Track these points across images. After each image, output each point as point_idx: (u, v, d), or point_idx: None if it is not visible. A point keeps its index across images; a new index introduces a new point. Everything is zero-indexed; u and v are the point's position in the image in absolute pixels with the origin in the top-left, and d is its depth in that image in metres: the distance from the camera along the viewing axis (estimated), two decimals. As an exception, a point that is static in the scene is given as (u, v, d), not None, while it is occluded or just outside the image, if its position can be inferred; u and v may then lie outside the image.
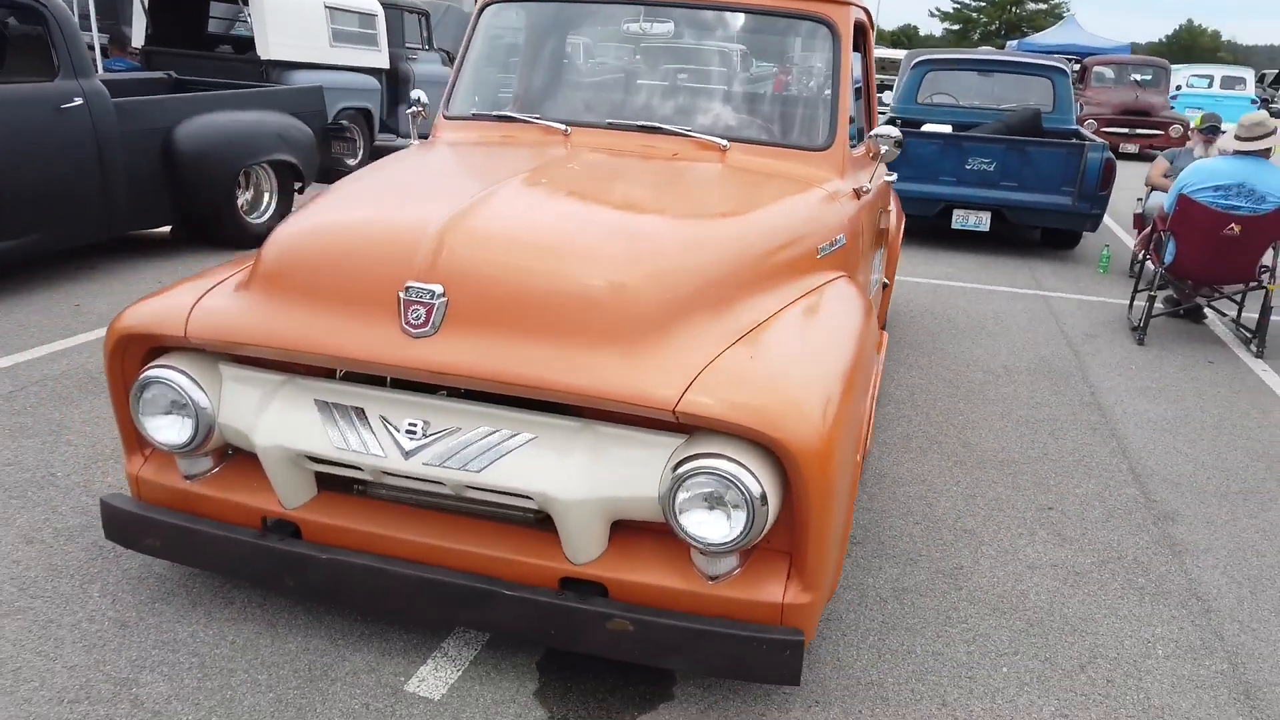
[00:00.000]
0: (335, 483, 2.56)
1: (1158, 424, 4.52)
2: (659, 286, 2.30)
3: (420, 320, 2.24)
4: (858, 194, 3.40)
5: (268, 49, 9.54)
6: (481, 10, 3.74)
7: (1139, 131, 17.94)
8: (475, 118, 3.60)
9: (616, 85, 3.76)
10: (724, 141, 3.27)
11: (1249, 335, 5.99)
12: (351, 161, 8.83)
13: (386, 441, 2.31)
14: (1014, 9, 61.89)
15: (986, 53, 12.74)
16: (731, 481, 2.09)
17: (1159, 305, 6.28)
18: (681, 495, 2.14)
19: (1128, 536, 3.39)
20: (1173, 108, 19.68)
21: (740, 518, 2.12)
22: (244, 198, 7.05)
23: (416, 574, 2.35)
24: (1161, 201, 7.06)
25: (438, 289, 2.24)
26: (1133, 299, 6.58)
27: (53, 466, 3.40)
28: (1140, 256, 6.59)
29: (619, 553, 2.34)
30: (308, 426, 2.37)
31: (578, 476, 2.20)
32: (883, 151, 3.37)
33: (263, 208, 7.24)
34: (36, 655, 2.44)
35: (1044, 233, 8.99)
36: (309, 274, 2.39)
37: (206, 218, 6.71)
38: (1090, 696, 2.51)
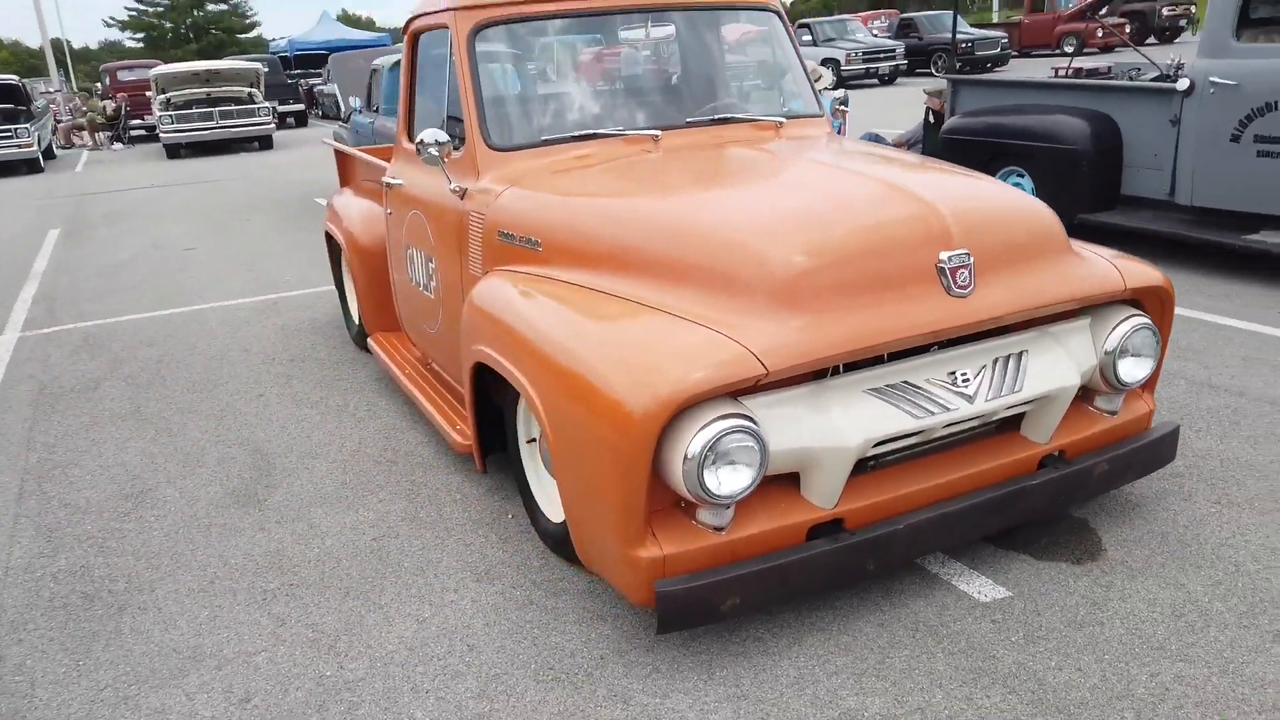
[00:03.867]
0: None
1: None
2: (1050, 211, 2.98)
3: (966, 282, 2.61)
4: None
5: None
6: (474, 36, 3.57)
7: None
8: (546, 143, 3.51)
9: (656, 88, 3.91)
10: (781, 119, 3.80)
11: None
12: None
13: (950, 397, 2.64)
14: (196, 12, 61.46)
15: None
16: (1151, 330, 2.94)
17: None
18: (1126, 353, 2.91)
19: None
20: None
21: (1155, 355, 2.97)
22: None
23: (964, 505, 2.73)
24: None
25: (965, 252, 2.61)
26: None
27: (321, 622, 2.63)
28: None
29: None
30: (880, 414, 2.56)
31: (1070, 367, 2.83)
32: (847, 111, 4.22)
33: None
34: (749, 753, 2.24)
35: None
36: (847, 275, 2.52)
37: None
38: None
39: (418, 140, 3.46)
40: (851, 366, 2.64)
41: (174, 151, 18.73)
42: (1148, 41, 27.06)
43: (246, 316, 6.48)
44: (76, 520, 3.63)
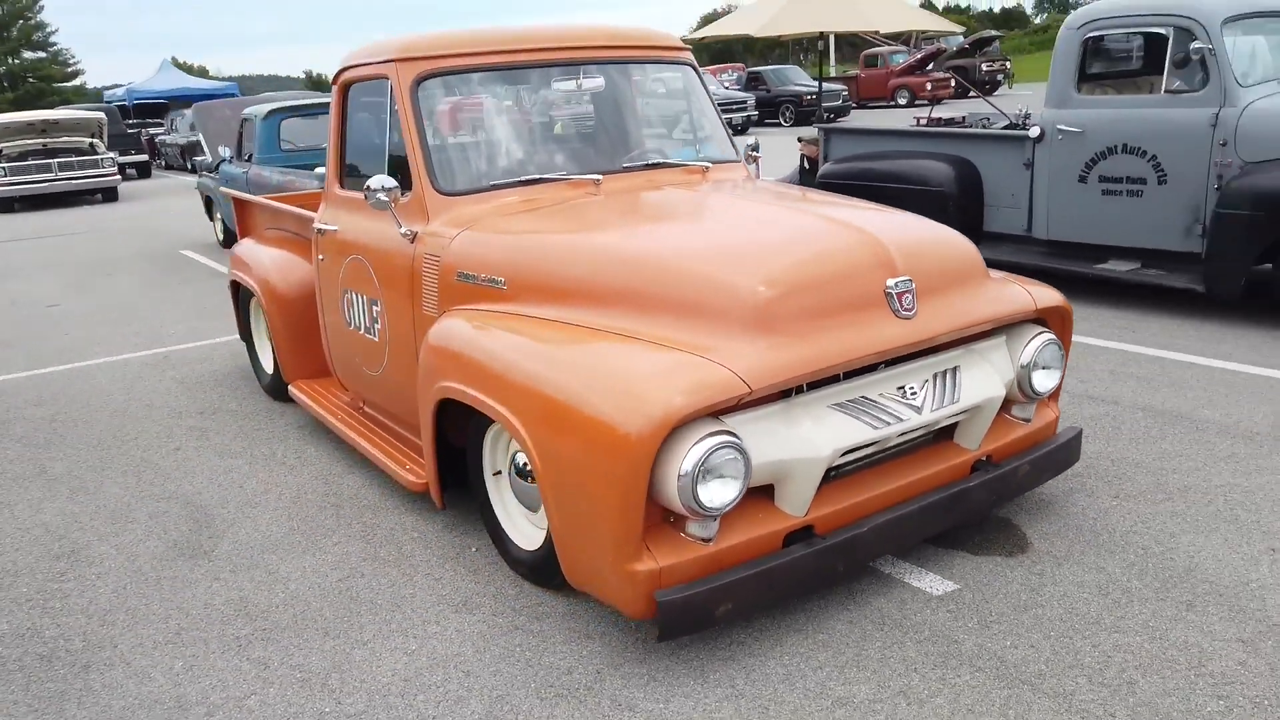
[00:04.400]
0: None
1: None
2: (967, 242, 3.33)
3: (910, 305, 2.90)
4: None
5: None
6: (417, 87, 3.70)
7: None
8: (494, 188, 3.66)
9: (590, 135, 4.09)
10: (707, 164, 4.07)
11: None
12: None
13: (901, 409, 2.92)
14: (11, 59, 58.45)
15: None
16: (1057, 344, 3.32)
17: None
18: (1038, 366, 3.27)
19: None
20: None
21: (1060, 367, 3.35)
22: None
23: (917, 506, 3.00)
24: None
25: (908, 279, 2.91)
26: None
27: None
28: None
29: (974, 434, 3.33)
30: (845, 426, 2.81)
31: (995, 379, 3.18)
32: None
33: None
34: (758, 744, 2.40)
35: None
36: (810, 301, 2.78)
37: None
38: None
39: (365, 186, 3.54)
40: (813, 385, 2.88)
41: (7, 205, 17.71)
42: (969, 95, 29.31)
43: (138, 371, 6.25)
44: (8, 584, 3.47)
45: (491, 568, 3.36)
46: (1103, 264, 6.32)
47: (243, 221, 6.00)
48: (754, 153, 4.53)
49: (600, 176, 3.73)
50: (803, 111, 26.35)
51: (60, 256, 11.74)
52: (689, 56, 4.37)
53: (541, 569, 3.14)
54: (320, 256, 4.34)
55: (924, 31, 24.55)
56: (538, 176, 3.70)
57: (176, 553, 3.63)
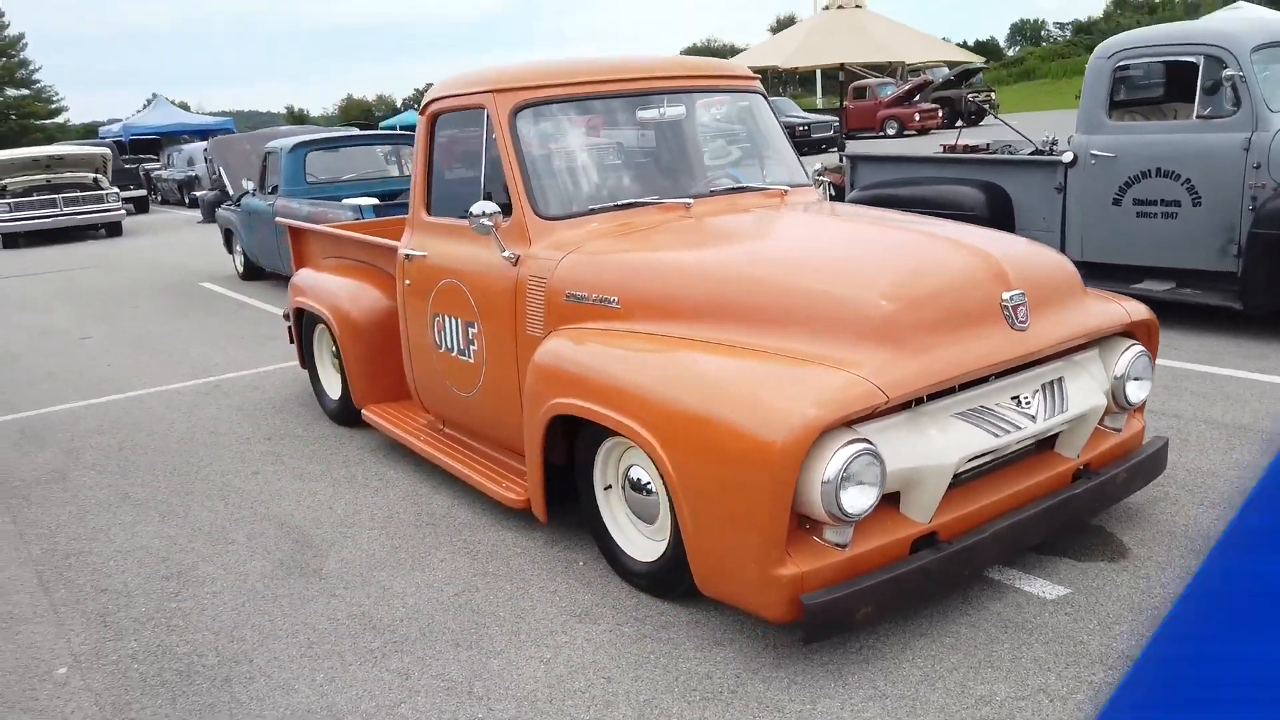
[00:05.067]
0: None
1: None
2: (1063, 259, 3.47)
3: (1024, 318, 3.03)
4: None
5: None
6: (515, 115, 3.83)
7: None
8: (591, 212, 3.78)
9: (674, 161, 4.22)
10: (785, 188, 4.21)
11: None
12: None
13: (1018, 418, 3.04)
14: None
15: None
16: (1147, 356, 3.46)
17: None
18: (1131, 377, 3.41)
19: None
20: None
21: (1150, 378, 3.49)
22: None
23: (1030, 513, 3.11)
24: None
25: (1021, 292, 3.04)
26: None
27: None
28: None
29: (1070, 444, 3.45)
30: (968, 435, 2.93)
31: (1096, 389, 3.30)
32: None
33: None
34: (914, 740, 2.49)
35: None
36: (931, 314, 2.90)
37: None
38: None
39: (468, 212, 3.65)
40: (932, 396, 3.00)
41: (11, 241, 17.73)
42: (956, 124, 29.82)
43: (193, 400, 6.30)
44: (124, 604, 3.52)
45: (603, 580, 3.44)
46: (1139, 284, 6.49)
47: (298, 251, 6.09)
48: (820, 177, 4.67)
49: (691, 200, 3.86)
50: (796, 142, 26.69)
51: (76, 290, 11.77)
52: (759, 85, 4.53)
53: (660, 580, 3.22)
54: (406, 281, 4.43)
55: (910, 63, 25.03)
56: (632, 201, 3.83)
57: (285, 571, 3.69)
